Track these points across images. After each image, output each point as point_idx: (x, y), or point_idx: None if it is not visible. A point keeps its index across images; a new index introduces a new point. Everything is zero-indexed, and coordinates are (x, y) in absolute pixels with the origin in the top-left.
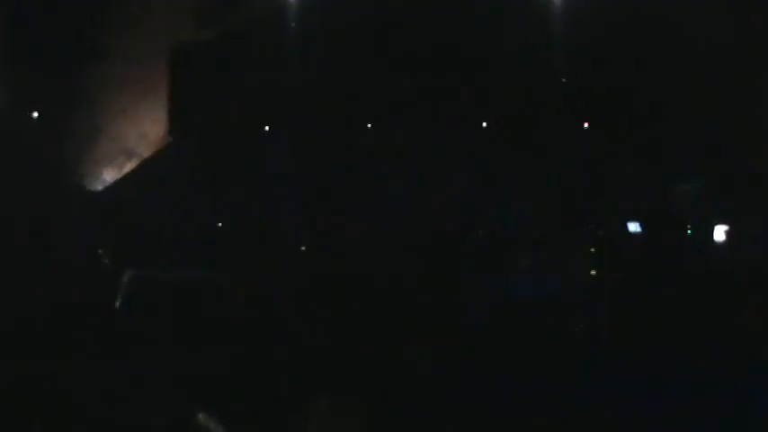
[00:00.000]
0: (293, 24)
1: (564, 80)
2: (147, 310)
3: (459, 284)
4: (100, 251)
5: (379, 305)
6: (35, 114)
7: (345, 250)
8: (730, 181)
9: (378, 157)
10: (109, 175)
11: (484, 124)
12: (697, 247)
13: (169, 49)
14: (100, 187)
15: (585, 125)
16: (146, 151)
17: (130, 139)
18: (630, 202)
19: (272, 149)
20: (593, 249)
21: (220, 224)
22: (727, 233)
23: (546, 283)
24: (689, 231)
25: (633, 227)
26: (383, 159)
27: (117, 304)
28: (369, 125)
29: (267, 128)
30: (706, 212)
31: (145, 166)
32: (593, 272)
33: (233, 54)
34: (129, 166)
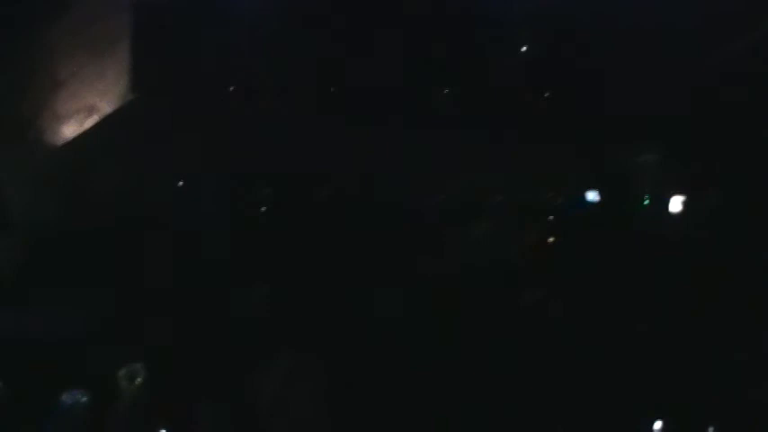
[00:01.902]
0: None
1: (525, 48)
2: None
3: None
4: None
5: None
6: None
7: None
8: (688, 151)
9: (340, 125)
10: (69, 131)
11: (445, 90)
12: (653, 216)
13: (134, 3)
14: (59, 143)
15: (546, 94)
16: (107, 107)
17: (92, 95)
18: (589, 172)
19: (236, 109)
20: (551, 217)
21: (181, 183)
22: (684, 203)
23: (502, 252)
24: (646, 202)
25: (591, 195)
26: (346, 127)
27: None
28: (332, 89)
29: (231, 88)
30: (664, 183)
31: (106, 122)
32: (550, 239)
33: (199, 9)
34: (89, 122)
